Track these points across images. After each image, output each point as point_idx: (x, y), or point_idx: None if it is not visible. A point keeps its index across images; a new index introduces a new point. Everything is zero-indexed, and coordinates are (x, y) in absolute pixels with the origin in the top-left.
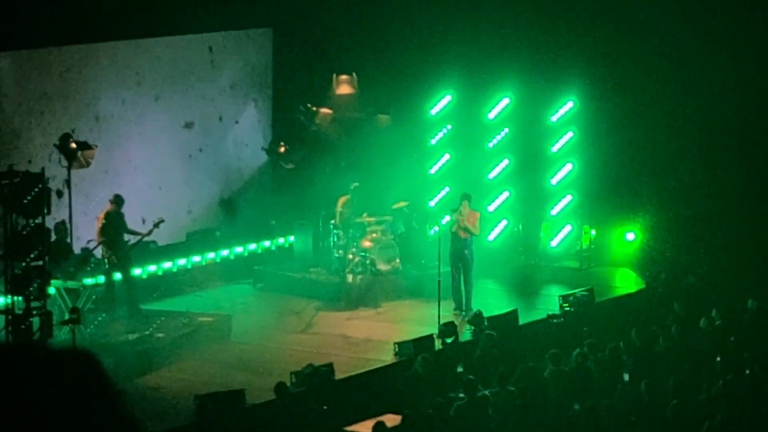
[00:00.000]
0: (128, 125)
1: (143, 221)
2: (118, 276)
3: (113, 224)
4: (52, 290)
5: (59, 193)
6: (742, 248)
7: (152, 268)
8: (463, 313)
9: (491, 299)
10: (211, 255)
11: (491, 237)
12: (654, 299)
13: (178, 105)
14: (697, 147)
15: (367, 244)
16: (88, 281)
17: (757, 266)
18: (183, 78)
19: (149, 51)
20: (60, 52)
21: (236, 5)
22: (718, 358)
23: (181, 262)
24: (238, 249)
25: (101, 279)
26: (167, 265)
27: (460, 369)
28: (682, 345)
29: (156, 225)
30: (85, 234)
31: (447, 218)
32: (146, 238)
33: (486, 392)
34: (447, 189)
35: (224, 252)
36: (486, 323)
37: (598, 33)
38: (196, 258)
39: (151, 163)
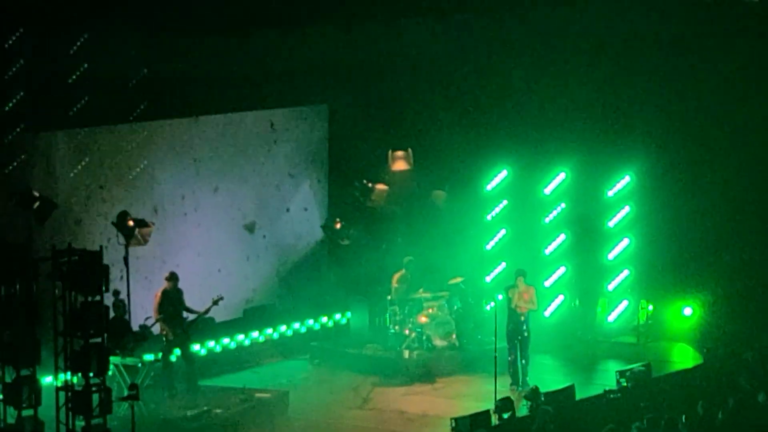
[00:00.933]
0: (187, 217)
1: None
2: (176, 352)
3: (170, 301)
4: (111, 367)
5: (119, 308)
6: None
7: (210, 344)
8: (520, 388)
9: (548, 374)
10: (268, 331)
11: (548, 312)
12: (712, 374)
13: (238, 191)
14: (754, 222)
15: (423, 319)
16: (147, 358)
17: None
18: (241, 161)
19: (207, 131)
20: (115, 130)
21: (292, 82)
22: None
23: (239, 338)
24: (296, 325)
25: (159, 355)
26: (225, 341)
27: None
28: (741, 420)
29: (215, 302)
30: (143, 311)
31: (500, 297)
32: (206, 315)
33: None
34: (503, 265)
35: (282, 328)
36: (543, 399)
37: (655, 107)
38: (254, 334)
39: (209, 248)
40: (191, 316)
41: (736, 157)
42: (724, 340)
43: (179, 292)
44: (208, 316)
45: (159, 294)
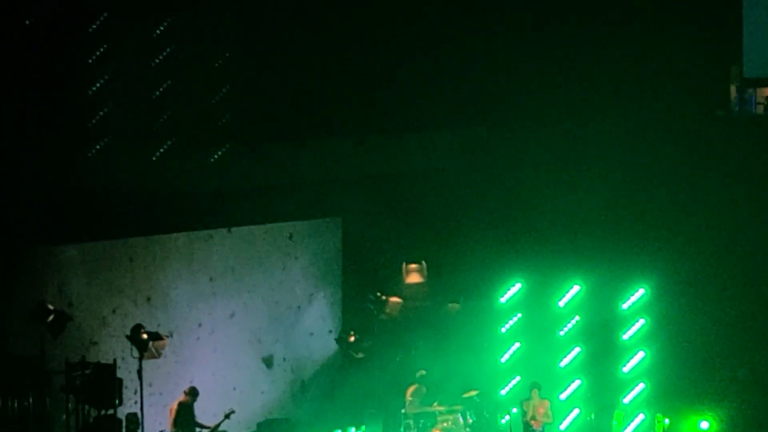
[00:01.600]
0: (202, 339)
1: None
2: None
3: (185, 415)
4: None
5: (132, 422)
6: None
7: None
8: None
9: None
10: None
11: (563, 426)
12: None
13: (253, 307)
14: None
15: None
16: None
17: None
18: (257, 276)
19: (222, 247)
20: (128, 243)
21: (306, 195)
22: None
23: None
24: None
25: None
26: None
27: None
28: None
29: (227, 416)
30: (155, 427)
31: (515, 410)
32: (219, 429)
33: None
34: (518, 378)
35: None
36: None
37: (669, 221)
38: None
39: (224, 366)
40: (203, 431)
41: (751, 271)
42: None
43: (192, 407)
44: (220, 430)
45: (175, 407)
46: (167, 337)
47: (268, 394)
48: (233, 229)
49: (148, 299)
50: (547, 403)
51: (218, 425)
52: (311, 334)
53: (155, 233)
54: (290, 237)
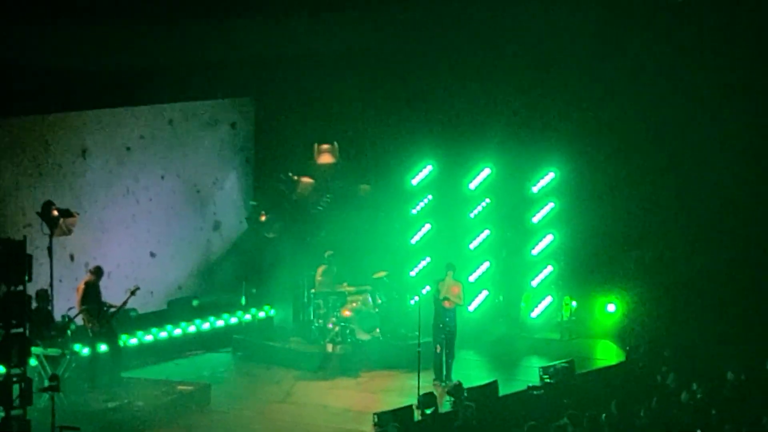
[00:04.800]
0: (113, 209)
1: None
2: (99, 344)
3: (92, 294)
4: (33, 358)
5: (42, 298)
6: (722, 320)
7: (133, 336)
8: (444, 383)
9: (471, 370)
10: (191, 324)
11: (472, 308)
12: (635, 372)
13: (163, 183)
14: (677, 219)
15: (347, 313)
16: (69, 349)
17: (736, 338)
18: (168, 153)
19: (136, 121)
20: (42, 120)
21: (218, 74)
22: None
23: (163, 331)
24: (219, 318)
25: (81, 347)
26: (150, 333)
27: None
28: (663, 418)
29: (132, 293)
30: (66, 302)
31: (428, 288)
32: (127, 306)
33: None
34: (428, 259)
35: (204, 321)
36: (466, 394)
37: (579, 104)
38: (178, 327)
39: (135, 240)
40: (112, 309)
41: (657, 154)
42: (647, 338)
43: (98, 286)
44: (130, 306)
45: (82, 286)
46: (77, 214)
47: (178, 271)
48: (147, 106)
49: (61, 170)
50: (460, 285)
51: (125, 302)
52: (220, 214)
53: (66, 110)
54: (233, 126)
